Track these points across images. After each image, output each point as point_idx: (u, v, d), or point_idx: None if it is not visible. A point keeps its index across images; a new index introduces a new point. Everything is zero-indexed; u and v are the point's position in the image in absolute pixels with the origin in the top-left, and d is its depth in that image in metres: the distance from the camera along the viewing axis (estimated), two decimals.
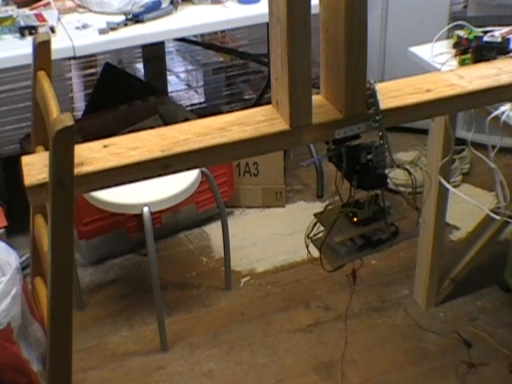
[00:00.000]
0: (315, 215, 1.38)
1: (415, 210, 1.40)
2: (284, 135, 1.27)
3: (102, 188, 1.24)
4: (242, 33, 3.94)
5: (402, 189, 1.43)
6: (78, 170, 1.18)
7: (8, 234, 2.40)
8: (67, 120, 1.15)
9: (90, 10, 2.58)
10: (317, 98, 1.32)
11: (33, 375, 2.00)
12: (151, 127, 1.31)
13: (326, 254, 1.37)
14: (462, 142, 2.81)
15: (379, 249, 1.38)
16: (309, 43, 1.20)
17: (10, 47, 2.32)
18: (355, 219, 1.36)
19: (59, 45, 2.29)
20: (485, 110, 1.92)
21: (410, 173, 1.37)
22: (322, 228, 1.37)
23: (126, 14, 2.50)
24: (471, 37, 2.02)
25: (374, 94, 1.26)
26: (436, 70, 1.97)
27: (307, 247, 1.37)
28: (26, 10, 2.52)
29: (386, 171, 1.32)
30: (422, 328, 2.45)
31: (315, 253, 1.40)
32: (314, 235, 1.38)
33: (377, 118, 1.27)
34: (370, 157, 1.29)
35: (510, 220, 2.05)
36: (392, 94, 1.35)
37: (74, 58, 2.45)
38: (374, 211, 1.36)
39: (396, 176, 1.42)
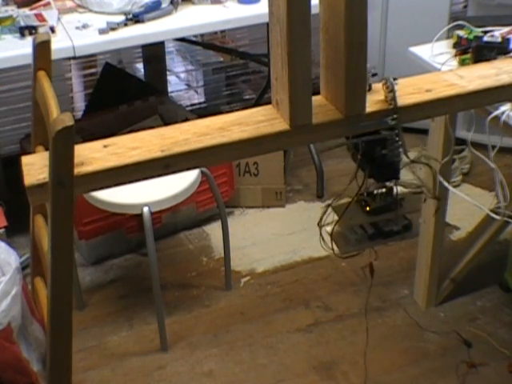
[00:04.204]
0: (329, 204, 1.39)
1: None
2: (284, 135, 1.27)
3: (101, 188, 1.24)
4: (241, 33, 3.93)
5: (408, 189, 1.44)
6: (77, 170, 1.18)
7: (8, 234, 2.40)
8: (67, 120, 1.15)
9: (90, 10, 2.58)
10: (317, 98, 1.32)
11: (33, 375, 2.00)
12: (151, 127, 1.31)
13: (337, 242, 1.38)
14: (462, 142, 2.80)
15: (390, 240, 1.39)
16: (309, 43, 1.20)
17: (10, 47, 2.32)
18: (367, 208, 1.38)
19: (59, 45, 2.29)
20: (485, 110, 1.92)
21: (424, 164, 1.38)
22: (336, 218, 1.38)
23: (126, 14, 2.50)
24: (471, 37, 2.02)
25: (393, 90, 1.27)
26: (436, 69, 1.97)
27: (321, 234, 1.36)
28: (26, 10, 2.52)
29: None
30: (422, 328, 2.45)
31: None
32: (325, 224, 1.39)
33: (394, 116, 1.27)
34: (384, 151, 1.29)
35: (510, 220, 2.05)
36: None
37: (74, 57, 2.45)
38: (387, 202, 1.37)
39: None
